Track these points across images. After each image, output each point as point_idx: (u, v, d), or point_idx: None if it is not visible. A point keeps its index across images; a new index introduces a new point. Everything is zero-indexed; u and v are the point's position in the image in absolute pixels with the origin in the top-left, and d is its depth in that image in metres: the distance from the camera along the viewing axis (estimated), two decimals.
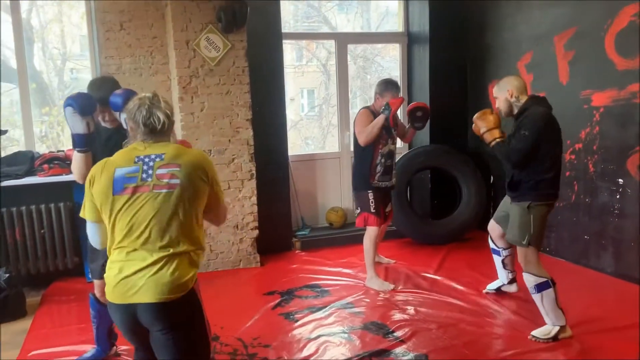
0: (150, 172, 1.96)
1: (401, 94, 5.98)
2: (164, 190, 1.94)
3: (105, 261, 2.78)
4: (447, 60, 5.69)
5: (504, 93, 3.36)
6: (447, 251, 5.13)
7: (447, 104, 5.73)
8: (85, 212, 2.04)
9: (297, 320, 3.70)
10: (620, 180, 4.18)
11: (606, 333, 3.33)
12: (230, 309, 3.91)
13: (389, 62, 6.98)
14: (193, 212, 2.00)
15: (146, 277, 1.88)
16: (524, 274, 3.31)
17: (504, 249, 3.85)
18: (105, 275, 1.99)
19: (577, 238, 4.62)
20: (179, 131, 4.65)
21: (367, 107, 4.34)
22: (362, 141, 4.18)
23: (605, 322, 3.48)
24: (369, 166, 4.25)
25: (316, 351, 3.25)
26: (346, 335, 3.46)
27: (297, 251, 5.31)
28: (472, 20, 5.63)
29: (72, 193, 4.54)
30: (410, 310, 3.81)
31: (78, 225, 4.54)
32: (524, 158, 3.20)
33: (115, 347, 3.28)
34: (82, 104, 2.61)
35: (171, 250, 1.93)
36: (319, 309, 3.87)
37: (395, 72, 6.19)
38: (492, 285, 4.04)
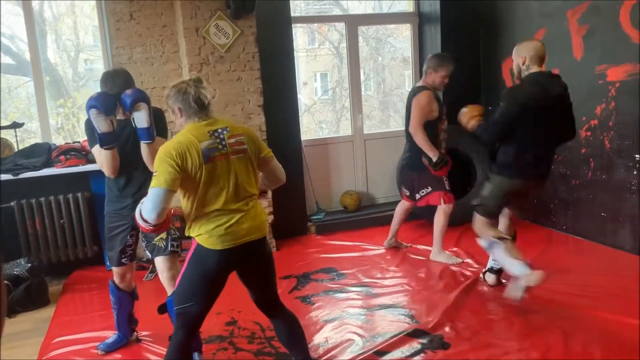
0: (224, 142, 2.35)
1: (413, 75, 6.01)
2: (239, 155, 2.39)
3: (125, 247, 2.94)
4: (458, 39, 5.60)
5: (517, 57, 3.34)
6: (462, 231, 5.12)
7: (460, 84, 5.63)
8: (162, 181, 2.26)
9: (313, 303, 3.74)
10: (637, 156, 4.12)
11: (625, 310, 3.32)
12: (246, 293, 3.94)
13: (401, 42, 6.90)
14: (256, 167, 2.49)
15: (248, 221, 2.37)
16: (477, 239, 3.62)
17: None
18: (209, 230, 2.32)
19: (594, 215, 4.58)
20: None
21: (426, 88, 4.22)
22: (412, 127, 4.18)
23: (625, 299, 3.46)
24: (436, 145, 4.21)
25: (334, 333, 3.29)
26: (363, 317, 3.49)
27: (312, 235, 5.34)
28: None
29: (90, 183, 4.60)
30: (425, 293, 3.82)
31: (96, 214, 4.62)
32: (497, 130, 3.31)
33: (136, 333, 3.35)
34: (105, 104, 2.72)
35: (254, 198, 2.44)
36: (336, 292, 3.91)
37: (407, 52, 6.13)
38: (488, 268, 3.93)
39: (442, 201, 4.36)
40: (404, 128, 4.41)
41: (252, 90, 4.70)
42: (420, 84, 4.32)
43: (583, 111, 4.51)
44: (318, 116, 7.49)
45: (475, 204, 3.58)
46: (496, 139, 3.40)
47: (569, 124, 3.45)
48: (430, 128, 4.20)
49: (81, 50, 6.36)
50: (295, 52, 5.28)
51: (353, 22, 5.71)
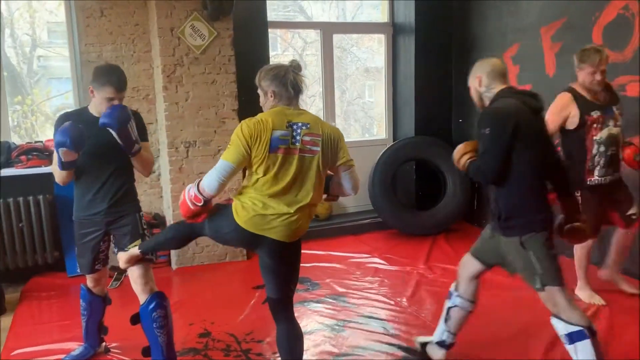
0: (298, 137, 2.33)
1: (385, 86, 6.03)
2: (307, 155, 2.35)
3: (98, 253, 2.88)
4: (432, 51, 5.67)
5: (473, 80, 2.71)
6: (432, 242, 5.14)
7: (432, 96, 5.72)
8: (229, 155, 2.31)
9: None
10: None
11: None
12: (219, 303, 3.83)
13: (364, 52, 6.96)
14: (323, 175, 2.42)
15: (280, 220, 2.32)
16: (551, 317, 2.53)
17: (460, 297, 2.86)
18: (244, 205, 2.33)
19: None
20: (162, 121, 4.53)
21: (570, 89, 3.52)
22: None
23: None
24: (583, 160, 3.44)
25: (311, 345, 3.21)
26: (341, 328, 3.43)
27: None
28: (458, 11, 5.61)
29: (52, 185, 4.37)
30: (403, 302, 3.80)
31: (58, 218, 4.40)
32: (496, 163, 2.45)
33: (104, 343, 3.18)
34: (76, 141, 2.53)
35: (302, 204, 2.34)
36: (311, 302, 3.84)
37: (371, 63, 6.14)
38: (421, 338, 3.13)
39: None
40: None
41: (227, 94, 4.59)
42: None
43: None
44: None
45: (540, 286, 2.49)
46: (495, 177, 2.49)
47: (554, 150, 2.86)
48: (571, 137, 3.50)
49: (39, 46, 6.10)
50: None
51: (328, 30, 5.68)
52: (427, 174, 5.75)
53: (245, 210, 2.33)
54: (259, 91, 2.46)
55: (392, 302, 3.82)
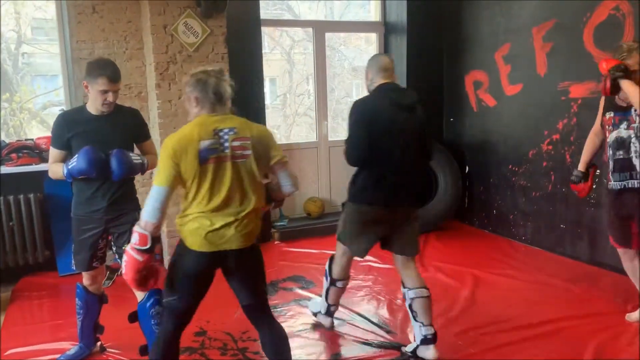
0: (226, 144, 2.23)
1: None
2: (240, 161, 2.25)
3: (96, 251, 2.85)
4: (424, 50, 5.69)
5: (365, 74, 3.07)
6: (424, 240, 5.16)
7: (423, 95, 5.71)
8: (160, 178, 2.21)
9: (285, 313, 3.65)
10: (597, 171, 4.27)
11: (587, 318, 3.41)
12: (214, 302, 3.73)
13: (352, 51, 6.97)
14: (260, 176, 2.34)
15: (232, 230, 2.25)
16: (327, 261, 3.35)
17: (409, 289, 3.06)
18: (191, 229, 2.24)
19: (553, 227, 4.73)
20: (155, 119, 4.49)
21: None
22: None
23: (586, 307, 3.57)
24: (607, 162, 3.32)
25: (307, 343, 3.22)
26: (337, 327, 3.43)
27: (276, 242, 5.24)
28: (450, 10, 5.64)
29: (43, 184, 4.32)
30: (397, 300, 3.81)
31: (50, 217, 4.35)
32: (353, 149, 2.87)
33: (100, 342, 3.15)
34: (99, 171, 2.66)
35: (247, 209, 2.28)
36: (306, 301, 3.83)
37: (359, 62, 6.15)
38: (408, 347, 3.11)
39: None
40: None
41: None
42: None
43: (545, 125, 4.67)
44: (270, 121, 7.43)
45: (338, 237, 3.19)
46: (361, 160, 2.89)
47: (424, 142, 3.02)
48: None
49: (25, 42, 6.02)
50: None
51: (321, 28, 5.68)
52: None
53: (195, 233, 2.25)
54: (184, 97, 2.37)
55: (386, 300, 3.83)
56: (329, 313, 3.40)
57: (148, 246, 2.20)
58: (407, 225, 3.02)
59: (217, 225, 2.23)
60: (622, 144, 3.18)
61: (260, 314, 2.49)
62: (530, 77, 4.76)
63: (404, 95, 2.98)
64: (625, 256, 3.31)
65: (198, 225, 2.24)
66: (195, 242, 2.26)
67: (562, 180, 4.58)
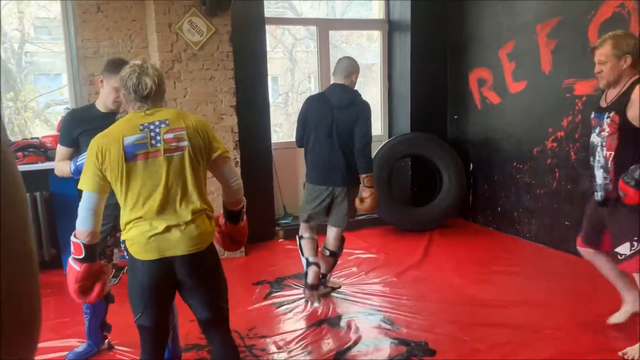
0: (158, 137, 2.06)
1: (382, 82, 6.04)
2: (175, 154, 2.07)
3: (104, 248, 2.80)
4: (428, 48, 5.69)
5: None
6: (428, 237, 5.17)
7: (427, 92, 5.75)
8: (85, 183, 2.08)
9: (291, 310, 3.67)
10: None
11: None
12: None
13: (354, 49, 6.97)
14: (202, 172, 2.15)
15: (179, 232, 2.06)
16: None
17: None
18: (133, 237, 2.07)
19: (557, 224, 4.73)
20: None
21: None
22: None
23: (591, 305, 3.57)
24: None
25: (314, 340, 3.23)
26: (343, 323, 3.44)
27: (280, 240, 5.25)
28: (454, 8, 5.65)
29: (49, 182, 4.34)
30: (402, 297, 3.82)
31: (55, 215, 4.36)
32: (296, 135, 3.74)
33: (107, 340, 3.17)
34: None
35: (193, 208, 2.09)
36: None
37: (361, 59, 6.13)
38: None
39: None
40: None
41: (225, 90, 4.58)
42: None
43: (549, 123, 4.67)
44: (272, 119, 7.44)
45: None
46: (298, 144, 3.77)
47: (351, 135, 3.52)
48: None
49: (28, 41, 6.03)
50: None
51: (324, 26, 5.68)
52: (423, 170, 5.78)
53: (137, 242, 2.06)
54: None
55: (391, 298, 3.84)
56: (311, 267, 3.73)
57: (82, 256, 2.08)
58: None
59: (159, 229, 2.05)
60: (592, 150, 2.92)
61: (218, 329, 2.27)
62: (534, 74, 4.76)
63: (337, 96, 3.55)
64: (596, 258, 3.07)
65: (137, 231, 2.06)
66: (139, 251, 2.07)
67: (566, 177, 4.58)
